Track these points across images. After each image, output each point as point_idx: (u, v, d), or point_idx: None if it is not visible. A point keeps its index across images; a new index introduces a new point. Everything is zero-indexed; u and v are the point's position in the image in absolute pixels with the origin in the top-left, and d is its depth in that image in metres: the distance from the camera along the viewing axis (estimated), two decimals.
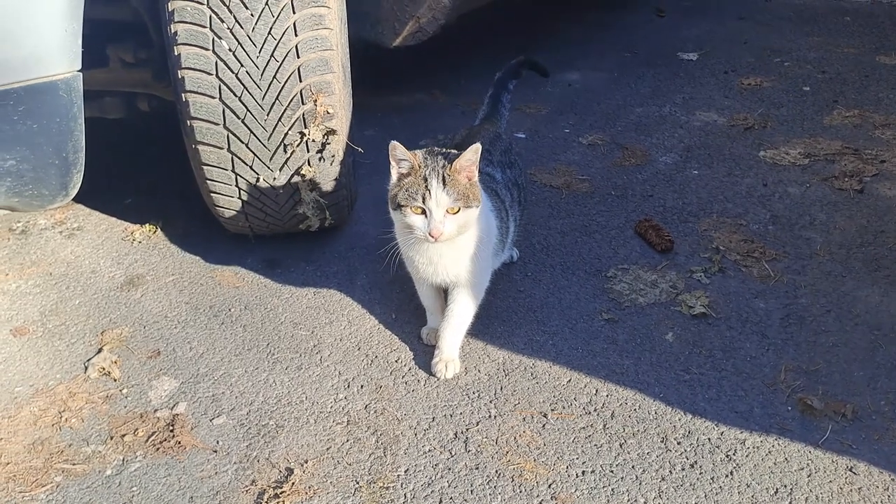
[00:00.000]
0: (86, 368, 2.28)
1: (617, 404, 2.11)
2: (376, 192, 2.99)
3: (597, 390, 2.16)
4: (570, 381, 2.20)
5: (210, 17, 2.25)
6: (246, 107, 2.35)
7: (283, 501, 1.84)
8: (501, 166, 2.42)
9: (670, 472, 1.90)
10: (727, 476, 1.88)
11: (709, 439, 1.99)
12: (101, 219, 3.06)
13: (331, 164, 2.52)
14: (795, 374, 2.19)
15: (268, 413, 2.11)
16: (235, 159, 2.44)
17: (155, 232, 2.95)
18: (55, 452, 2.00)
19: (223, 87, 2.32)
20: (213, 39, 2.27)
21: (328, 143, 2.47)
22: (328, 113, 2.42)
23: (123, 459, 1.97)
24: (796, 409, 2.08)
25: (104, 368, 2.26)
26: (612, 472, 1.91)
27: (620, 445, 1.98)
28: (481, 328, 2.37)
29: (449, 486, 1.88)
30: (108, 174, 3.30)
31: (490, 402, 2.13)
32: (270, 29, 2.29)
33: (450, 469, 1.93)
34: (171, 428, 2.06)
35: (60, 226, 3.01)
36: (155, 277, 2.70)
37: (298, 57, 2.33)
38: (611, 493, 1.85)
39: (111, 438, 2.04)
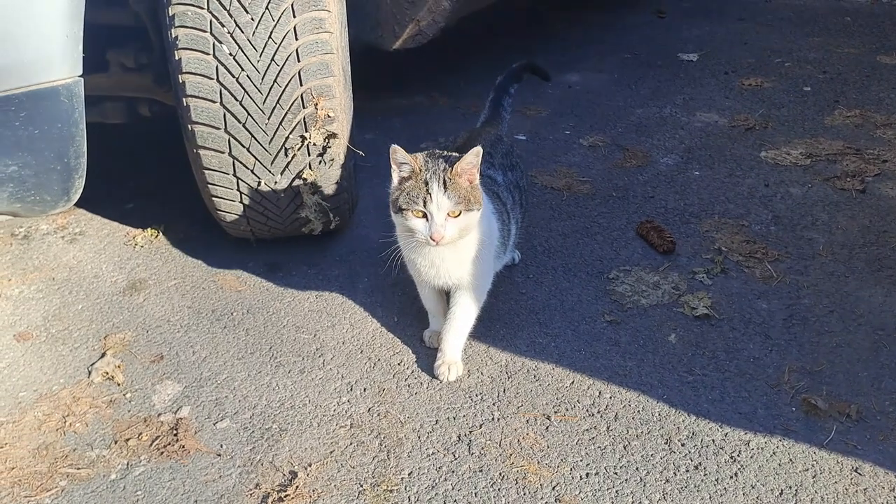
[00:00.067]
0: (89, 373, 2.28)
1: (620, 406, 2.11)
2: (377, 195, 2.99)
3: (600, 392, 2.16)
4: (573, 383, 2.20)
5: (210, 21, 2.26)
6: (247, 111, 2.35)
7: None
8: (503, 169, 2.42)
9: (674, 473, 1.90)
10: (731, 477, 1.88)
11: (713, 440, 1.99)
12: (103, 223, 3.06)
13: (332, 168, 2.52)
14: (799, 375, 2.19)
15: (271, 417, 2.11)
16: (237, 163, 2.44)
17: (157, 236, 2.95)
18: (60, 457, 2.00)
19: (224, 91, 2.32)
20: (214, 44, 2.28)
21: (329, 147, 2.47)
22: (329, 116, 2.42)
23: (128, 464, 1.98)
24: (800, 409, 2.08)
25: (108, 373, 2.26)
26: (616, 473, 1.91)
27: (624, 447, 1.98)
28: (484, 331, 2.37)
29: (453, 488, 1.88)
30: (109, 179, 3.30)
31: (493, 404, 2.13)
32: (271, 33, 2.29)
33: (453, 472, 1.93)
34: (174, 432, 2.06)
35: (62, 231, 3.01)
36: (157, 282, 2.70)
37: (299, 61, 2.33)
38: (615, 495, 1.85)
39: (115, 443, 2.04)
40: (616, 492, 1.86)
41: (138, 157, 3.60)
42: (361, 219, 3.01)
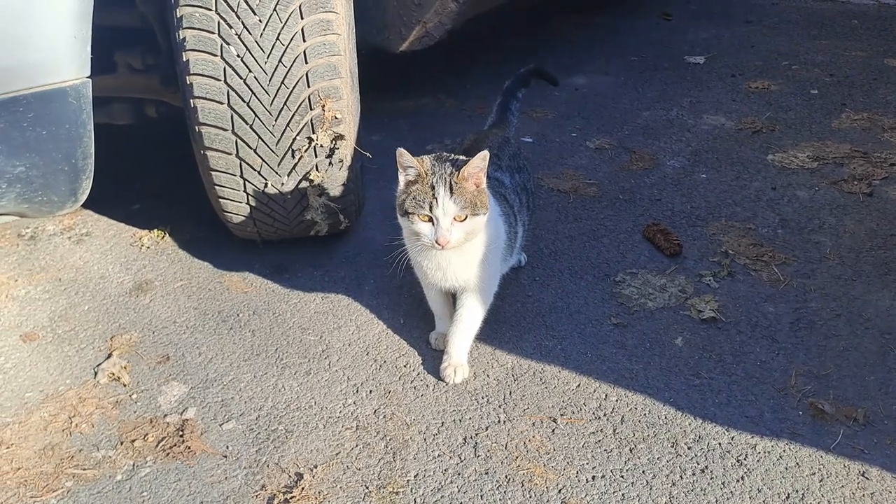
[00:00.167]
0: (95, 374, 2.29)
1: (627, 409, 2.11)
2: (384, 197, 2.99)
3: (606, 395, 2.16)
4: (579, 385, 2.20)
5: (218, 22, 2.26)
6: (254, 112, 2.35)
7: None
8: (510, 171, 2.42)
9: (681, 476, 1.90)
10: (738, 481, 1.88)
11: (719, 444, 1.98)
12: (110, 224, 3.07)
13: (339, 169, 2.52)
14: (806, 379, 2.19)
15: (277, 418, 2.11)
16: (244, 165, 2.44)
17: (163, 237, 2.95)
18: (66, 458, 2.00)
19: (231, 92, 2.32)
20: (222, 45, 2.28)
21: (336, 149, 2.47)
22: (336, 118, 2.42)
23: (134, 464, 1.98)
24: (807, 413, 2.07)
25: (114, 374, 2.27)
26: (622, 477, 1.90)
27: (630, 450, 1.98)
28: (490, 333, 2.37)
29: (458, 491, 1.88)
30: (116, 180, 3.31)
31: (499, 406, 2.13)
32: (279, 34, 2.29)
33: (459, 474, 1.92)
34: (180, 433, 2.06)
35: (69, 231, 3.02)
36: (163, 283, 2.70)
37: (306, 62, 2.34)
38: (621, 499, 1.84)
39: (121, 443, 2.04)
40: (622, 495, 1.85)
41: (145, 158, 3.61)
42: (368, 220, 3.01)
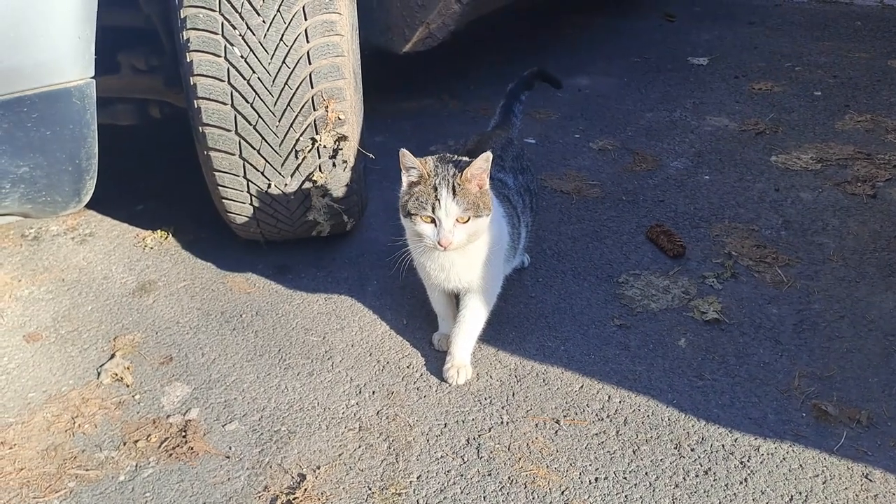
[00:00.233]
0: (98, 374, 2.29)
1: (630, 410, 2.11)
2: (387, 198, 3.00)
3: (609, 396, 2.16)
4: (582, 387, 2.19)
5: (222, 23, 2.26)
6: (258, 113, 2.36)
7: None
8: (513, 172, 2.42)
9: (684, 478, 1.89)
10: (741, 483, 1.87)
11: (722, 446, 1.98)
12: (113, 225, 3.07)
13: (342, 170, 2.52)
14: (809, 381, 2.18)
15: (280, 419, 2.11)
16: (247, 165, 2.44)
17: (166, 238, 2.95)
18: (68, 458, 2.00)
19: (235, 93, 2.32)
20: (225, 46, 2.28)
21: (339, 149, 2.47)
22: (339, 119, 2.42)
23: (136, 465, 1.98)
24: (811, 415, 2.07)
25: (117, 374, 2.27)
26: (625, 478, 1.90)
27: (633, 452, 1.98)
28: (493, 334, 2.37)
29: (461, 492, 1.88)
30: (119, 180, 3.31)
31: (502, 408, 2.13)
32: (282, 35, 2.29)
33: (462, 475, 1.92)
34: (183, 434, 2.06)
35: (72, 232, 3.02)
36: (167, 283, 2.70)
37: (310, 63, 2.34)
38: (624, 500, 1.84)
39: (124, 444, 2.04)
40: (625, 497, 1.85)
41: (149, 158, 3.61)
42: (371, 221, 3.01)
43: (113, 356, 2.35)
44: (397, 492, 1.88)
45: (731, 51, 4.81)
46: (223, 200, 2.55)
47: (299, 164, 2.47)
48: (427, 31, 3.46)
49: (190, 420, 2.11)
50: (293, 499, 1.86)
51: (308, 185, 2.51)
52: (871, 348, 2.29)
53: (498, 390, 2.19)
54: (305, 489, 1.88)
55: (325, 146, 2.44)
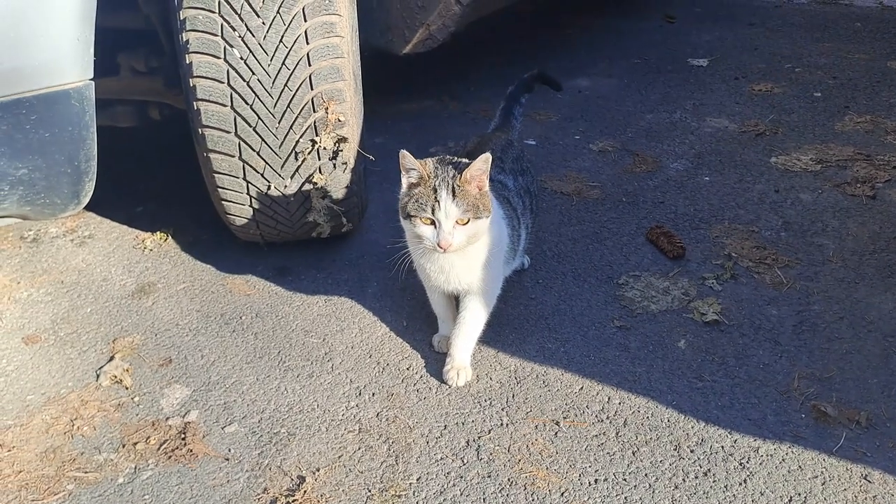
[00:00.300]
0: (97, 376, 2.29)
1: (629, 412, 2.10)
2: (387, 200, 3.00)
3: (609, 398, 2.15)
4: (582, 388, 2.19)
5: (221, 25, 2.26)
6: (257, 115, 2.36)
7: None
8: (513, 174, 2.42)
9: (683, 480, 1.89)
10: (741, 484, 1.87)
11: (722, 447, 1.98)
12: (113, 227, 3.07)
13: (342, 172, 2.52)
14: (809, 382, 2.18)
15: (279, 421, 2.11)
16: (247, 167, 2.44)
17: (166, 240, 2.95)
18: (67, 460, 2.00)
19: (234, 95, 2.32)
20: (225, 48, 2.28)
21: (339, 151, 2.47)
22: (339, 121, 2.42)
23: (135, 467, 1.98)
24: (810, 416, 2.07)
25: (116, 376, 2.27)
26: (624, 480, 1.90)
27: (633, 453, 1.97)
28: (493, 336, 2.36)
29: (461, 494, 1.87)
30: (119, 182, 3.31)
31: (502, 409, 2.13)
32: (282, 37, 2.29)
33: (462, 477, 1.92)
34: (182, 436, 2.06)
35: (72, 234, 3.02)
36: (166, 285, 2.70)
37: (310, 65, 2.34)
38: (624, 502, 1.84)
39: (123, 446, 2.04)
40: (625, 498, 1.85)
41: (148, 160, 3.61)
42: (371, 223, 3.01)
43: (112, 358, 2.35)
44: (397, 494, 1.88)
45: (732, 52, 4.81)
46: (223, 202, 2.55)
47: (299, 166, 2.47)
48: (427, 32, 3.46)
49: (189, 422, 2.11)
50: (292, 501, 1.86)
51: (308, 186, 2.51)
52: (870, 349, 2.29)
53: (498, 392, 2.19)
54: (305, 491, 1.88)
55: (324, 148, 2.44)
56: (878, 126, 3.68)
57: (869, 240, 2.80)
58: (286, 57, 2.31)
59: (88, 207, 2.87)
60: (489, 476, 1.92)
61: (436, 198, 1.97)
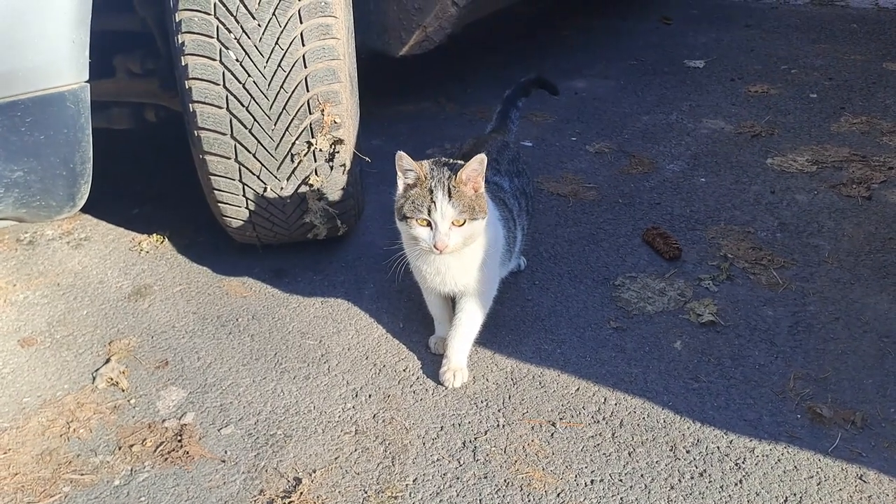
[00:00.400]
0: (94, 379, 2.29)
1: (625, 413, 2.11)
2: (383, 202, 2.99)
3: (605, 399, 2.16)
4: (578, 389, 2.19)
5: (217, 27, 2.26)
6: (253, 117, 2.36)
7: None
8: (509, 175, 2.42)
9: (679, 480, 1.89)
10: (736, 485, 1.87)
11: (718, 448, 1.98)
12: (109, 229, 3.07)
13: (338, 174, 2.52)
14: (804, 382, 2.18)
15: (276, 423, 2.11)
16: (243, 169, 2.44)
17: (162, 242, 2.95)
18: (63, 463, 2.00)
19: (230, 97, 2.33)
20: (221, 50, 2.28)
21: (335, 153, 2.47)
22: (335, 122, 2.42)
23: (131, 470, 1.97)
24: (805, 417, 2.07)
25: (112, 379, 2.27)
26: (620, 480, 1.90)
27: (629, 454, 1.98)
28: (489, 337, 2.37)
29: (457, 495, 1.87)
30: (115, 185, 3.31)
31: (498, 410, 2.13)
32: (278, 39, 2.29)
33: (458, 478, 1.92)
34: (179, 438, 2.06)
35: (68, 236, 3.02)
36: (162, 287, 2.70)
37: (306, 67, 2.34)
38: (619, 502, 1.84)
39: (119, 449, 2.04)
40: (621, 499, 1.85)
41: (144, 162, 3.61)
42: (368, 225, 3.01)
43: (108, 360, 2.35)
44: (393, 495, 1.88)
45: (728, 53, 4.81)
46: (219, 204, 2.55)
47: (295, 168, 2.47)
48: (424, 34, 3.46)
49: (185, 424, 2.11)
50: (289, 502, 1.86)
51: (304, 188, 2.51)
52: (865, 350, 2.29)
53: (494, 393, 2.19)
54: (301, 493, 1.88)
55: (321, 150, 2.44)
56: (874, 127, 3.69)
57: (864, 241, 2.80)
58: (282, 59, 2.31)
59: (84, 210, 2.87)
60: (485, 477, 1.92)
61: (432, 199, 1.97)
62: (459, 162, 2.08)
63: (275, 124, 2.38)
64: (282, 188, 2.50)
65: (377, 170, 3.09)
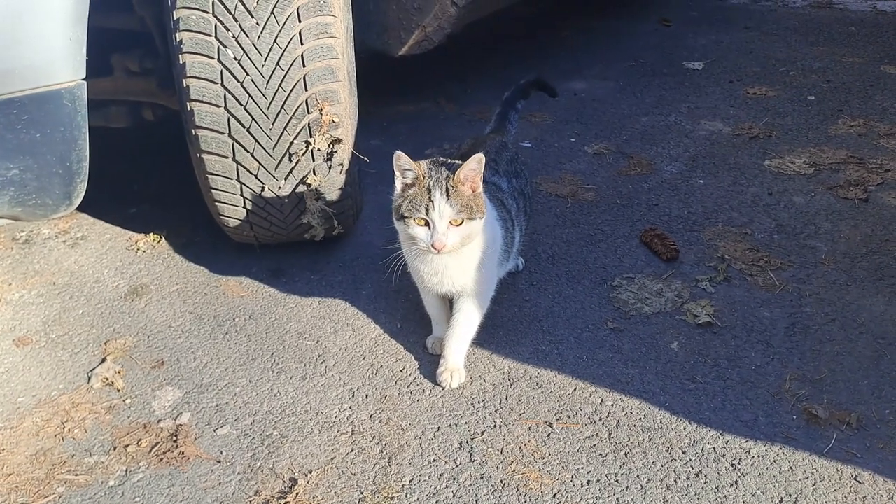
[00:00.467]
0: (89, 379, 2.28)
1: (622, 413, 2.10)
2: (382, 202, 2.98)
3: (602, 399, 2.15)
4: (575, 390, 2.19)
5: (215, 25, 2.26)
6: (251, 116, 2.35)
7: None
8: (507, 175, 2.42)
9: (675, 481, 1.89)
10: (732, 485, 1.87)
11: (714, 448, 1.98)
12: (105, 228, 3.06)
13: (336, 174, 2.52)
14: (800, 384, 2.18)
15: (272, 423, 2.11)
16: (240, 168, 2.44)
17: (159, 241, 2.95)
18: (58, 463, 1.99)
19: (228, 95, 2.32)
20: (219, 48, 2.28)
21: (334, 152, 2.47)
22: (334, 122, 2.42)
23: (127, 470, 1.97)
24: (801, 418, 2.07)
25: (107, 379, 2.26)
26: (617, 481, 1.90)
27: (626, 455, 1.97)
28: (486, 337, 2.36)
29: (454, 495, 1.87)
30: (112, 183, 3.31)
31: (495, 411, 2.13)
32: (276, 38, 2.29)
33: (454, 479, 1.92)
34: (174, 438, 2.06)
35: (64, 235, 3.01)
36: (159, 287, 2.69)
37: (304, 66, 2.33)
38: (616, 503, 1.84)
39: (114, 449, 2.04)
40: (617, 499, 1.85)
41: (141, 161, 3.61)
42: (365, 225, 3.01)
43: (104, 360, 2.35)
44: (389, 496, 1.88)
45: (727, 55, 4.81)
46: (216, 203, 2.55)
47: (293, 168, 2.46)
48: (423, 34, 3.46)
49: (181, 424, 2.11)
50: (285, 503, 1.85)
51: (302, 188, 2.51)
52: (861, 351, 2.29)
53: (491, 394, 2.19)
54: (297, 493, 1.88)
55: (319, 149, 2.44)
56: (871, 129, 3.69)
57: (861, 242, 2.80)
58: (280, 58, 2.31)
59: (81, 208, 2.87)
60: (482, 478, 1.92)
61: (430, 198, 1.97)
62: (457, 162, 2.08)
63: (273, 123, 2.37)
64: (279, 188, 2.50)
65: (376, 170, 3.09)
